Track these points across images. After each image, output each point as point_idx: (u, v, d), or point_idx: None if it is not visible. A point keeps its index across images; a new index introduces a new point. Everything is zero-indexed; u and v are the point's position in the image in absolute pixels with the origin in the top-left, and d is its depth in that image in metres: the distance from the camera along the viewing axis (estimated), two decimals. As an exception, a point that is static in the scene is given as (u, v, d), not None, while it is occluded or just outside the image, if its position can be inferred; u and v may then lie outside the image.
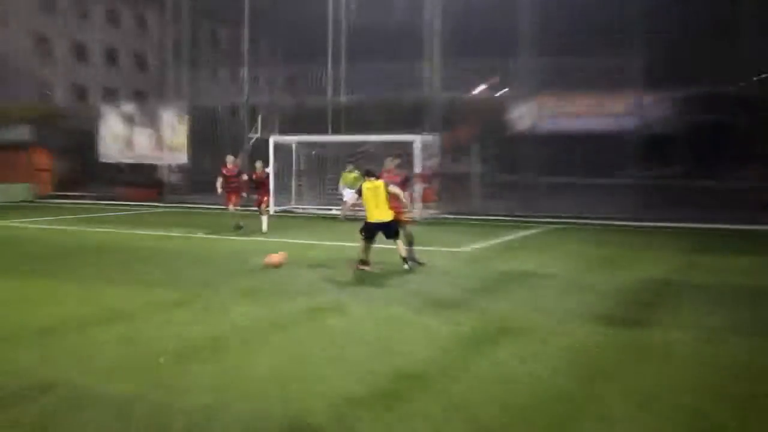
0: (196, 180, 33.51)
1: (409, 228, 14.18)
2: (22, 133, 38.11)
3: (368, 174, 14.04)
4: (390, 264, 13.81)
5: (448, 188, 23.89)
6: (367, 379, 7.13)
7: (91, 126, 36.30)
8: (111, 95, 51.09)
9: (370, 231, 13.68)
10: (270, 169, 27.83)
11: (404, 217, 13.98)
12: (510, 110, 28.32)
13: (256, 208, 21.30)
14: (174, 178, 35.58)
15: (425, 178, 23.78)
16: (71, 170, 38.15)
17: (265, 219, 20.64)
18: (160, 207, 31.40)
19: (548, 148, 26.66)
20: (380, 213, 13.65)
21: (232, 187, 21.02)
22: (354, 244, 14.59)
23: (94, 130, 36.04)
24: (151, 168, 36.33)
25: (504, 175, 27.61)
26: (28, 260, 14.97)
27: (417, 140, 24.85)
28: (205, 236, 19.73)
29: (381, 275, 13.14)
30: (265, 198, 21.24)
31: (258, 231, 20.07)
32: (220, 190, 21.09)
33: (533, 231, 21.62)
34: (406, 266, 13.50)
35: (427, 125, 27.87)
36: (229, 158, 21.39)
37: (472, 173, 27.92)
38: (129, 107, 36.76)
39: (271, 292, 11.54)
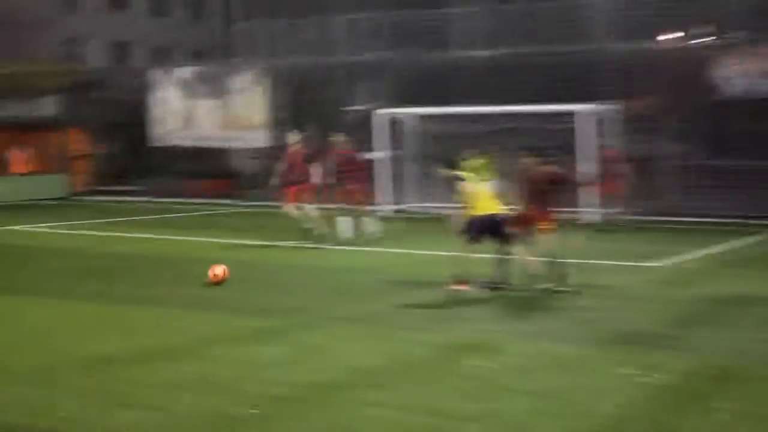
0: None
1: (550, 239, 14.08)
2: (48, 107, 39.63)
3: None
4: (522, 282, 13.78)
5: (633, 178, 23.52)
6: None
7: (136, 97, 37.29)
8: (161, 55, 52.28)
9: (479, 229, 13.82)
10: (376, 154, 28.15)
11: (546, 225, 13.97)
12: (717, 67, 27.69)
13: (343, 205, 21.00)
14: (250, 167, 36.12)
15: (611, 161, 23.45)
16: (114, 157, 39.41)
17: (366, 220, 20.82)
18: (233, 206, 32.10)
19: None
20: (490, 204, 13.88)
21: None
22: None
23: (140, 102, 37.02)
24: (220, 153, 37.08)
25: (710, 160, 26.98)
26: (74, 277, 15.64)
27: (585, 111, 24.65)
28: (294, 245, 20.19)
29: (538, 301, 13.13)
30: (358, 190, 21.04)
31: (334, 238, 20.14)
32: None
33: (758, 238, 21.18)
34: (546, 286, 13.60)
35: (598, 90, 27.54)
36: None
37: (664, 157, 27.43)
38: (187, 71, 37.31)
39: (393, 323, 11.69)
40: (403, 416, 7.78)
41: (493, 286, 13.93)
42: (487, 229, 13.84)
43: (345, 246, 19.68)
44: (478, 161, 14.11)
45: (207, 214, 29.25)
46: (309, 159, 21.07)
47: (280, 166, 21.08)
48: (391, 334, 11.06)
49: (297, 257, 18.44)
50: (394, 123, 28.89)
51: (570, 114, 24.63)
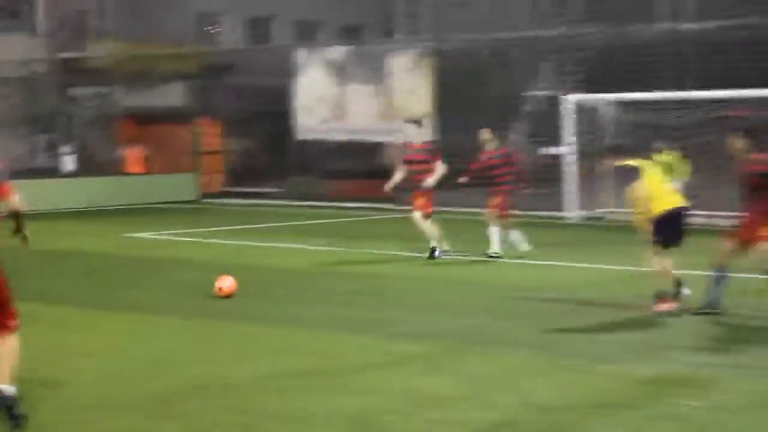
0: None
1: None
2: (176, 95, 40.67)
3: None
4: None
5: None
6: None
7: (277, 83, 37.91)
8: (306, 33, 52.99)
9: (668, 228, 13.74)
10: (561, 149, 28.08)
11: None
12: None
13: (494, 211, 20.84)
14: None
15: None
16: (250, 154, 40.16)
17: (508, 233, 20.70)
18: (389, 211, 32.32)
19: None
20: (671, 198, 14.00)
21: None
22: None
23: (282, 89, 37.61)
24: (374, 149, 37.35)
25: None
26: (201, 293, 16.07)
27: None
28: (469, 258, 20.36)
29: (758, 327, 12.91)
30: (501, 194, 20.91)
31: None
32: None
33: None
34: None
35: None
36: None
37: None
38: (337, 51, 37.69)
39: (583, 353, 11.67)
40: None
41: (706, 311, 13.74)
42: (675, 225, 13.80)
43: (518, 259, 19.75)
44: (668, 156, 14.04)
45: (358, 221, 29.59)
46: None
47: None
48: (577, 366, 11.00)
49: (467, 272, 18.56)
50: (585, 111, 28.72)
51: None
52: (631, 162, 14.23)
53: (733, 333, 12.83)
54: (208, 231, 26.46)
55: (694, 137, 25.61)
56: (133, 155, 39.24)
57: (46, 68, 43.03)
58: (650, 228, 13.88)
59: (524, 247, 20.47)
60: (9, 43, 43.33)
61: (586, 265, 19.11)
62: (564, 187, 28.51)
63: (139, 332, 13.14)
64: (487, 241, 20.15)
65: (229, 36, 50.68)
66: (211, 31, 50.69)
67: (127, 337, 12.82)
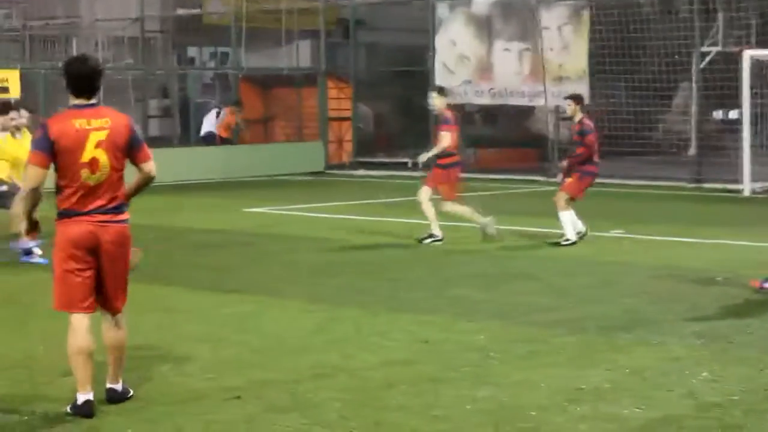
0: (604, 135, 33.84)
1: None
2: (303, 55, 41.02)
3: None
4: None
5: None
6: None
7: (418, 41, 37.96)
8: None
9: None
10: (737, 112, 27.70)
11: None
12: None
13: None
14: (562, 132, 36.21)
15: None
16: (384, 120, 40.34)
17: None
18: (540, 183, 32.27)
19: None
20: None
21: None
22: None
23: (421, 47, 37.63)
24: (525, 114, 37.27)
25: None
26: (323, 274, 16.28)
27: None
28: (623, 235, 20.34)
29: None
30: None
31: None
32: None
33: None
34: None
35: None
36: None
37: None
38: (484, 4, 37.44)
39: (751, 342, 11.61)
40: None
41: None
42: None
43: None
44: None
45: (506, 193, 29.58)
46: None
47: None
48: (746, 358, 10.96)
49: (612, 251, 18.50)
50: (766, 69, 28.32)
51: None
52: None
53: None
54: (334, 206, 26.68)
55: None
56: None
57: (160, 26, 43.71)
58: None
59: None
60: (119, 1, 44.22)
61: (762, 244, 18.80)
62: (740, 156, 28.14)
63: (251, 317, 13.31)
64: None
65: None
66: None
67: (242, 322, 12.99)
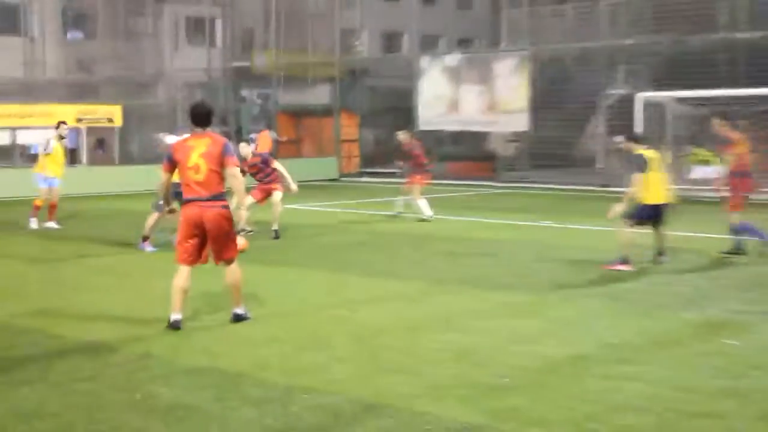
0: (537, 152, 34.04)
1: None
2: (323, 94, 41.14)
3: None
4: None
5: None
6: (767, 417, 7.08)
7: (406, 84, 38.11)
8: (429, 44, 53.22)
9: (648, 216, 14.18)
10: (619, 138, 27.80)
11: None
12: None
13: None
14: (509, 150, 36.41)
15: None
16: (381, 141, 40.51)
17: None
18: (491, 187, 32.43)
19: None
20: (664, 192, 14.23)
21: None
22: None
23: (408, 89, 37.78)
24: (480, 137, 37.44)
25: None
26: (342, 251, 16.38)
27: None
28: (550, 225, 20.32)
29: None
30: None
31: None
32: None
33: None
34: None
35: None
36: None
37: None
38: (454, 58, 37.69)
39: (644, 301, 11.64)
40: (651, 390, 7.77)
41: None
42: (654, 217, 14.21)
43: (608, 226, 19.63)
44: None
45: (468, 195, 29.67)
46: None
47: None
48: (638, 311, 11.00)
49: (552, 235, 18.54)
50: (652, 106, 28.35)
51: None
52: (639, 150, 14.29)
53: (764, 286, 12.70)
54: (345, 203, 26.77)
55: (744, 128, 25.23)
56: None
57: (222, 74, 43.80)
58: (634, 209, 14.14)
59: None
60: (193, 54, 44.21)
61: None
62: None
63: (291, 282, 13.30)
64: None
65: (366, 47, 51.20)
66: (353, 43, 51.18)
67: (281, 285, 13.01)
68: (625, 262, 13.91)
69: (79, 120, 33.22)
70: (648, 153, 14.18)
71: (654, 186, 14.05)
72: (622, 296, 12.00)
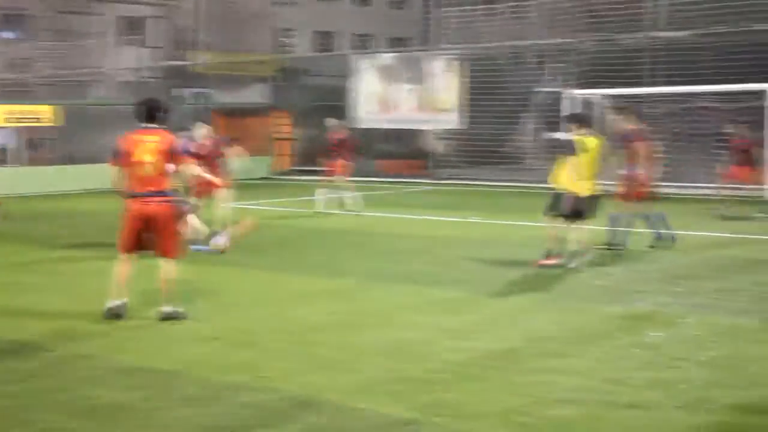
0: (470, 150, 34.19)
1: None
2: (257, 93, 40.97)
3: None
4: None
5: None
6: (700, 411, 7.16)
7: (340, 83, 38.05)
8: (362, 43, 53.21)
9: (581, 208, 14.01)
10: (560, 134, 28.02)
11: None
12: None
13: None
14: (441, 147, 36.52)
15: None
16: (314, 139, 40.38)
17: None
18: (424, 184, 32.51)
19: None
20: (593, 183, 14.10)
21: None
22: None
23: (342, 88, 37.72)
24: (413, 135, 37.48)
25: None
26: (276, 249, 16.28)
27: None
28: (480, 221, 20.41)
29: (711, 275, 12.86)
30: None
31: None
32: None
33: None
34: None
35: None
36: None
37: None
38: (387, 58, 37.72)
39: (572, 296, 11.75)
40: (580, 382, 7.86)
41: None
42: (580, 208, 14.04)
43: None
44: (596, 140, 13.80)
45: (399, 192, 29.74)
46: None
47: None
48: (565, 306, 11.11)
49: (481, 231, 18.64)
50: (584, 104, 28.64)
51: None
52: (573, 137, 14.12)
53: (688, 279, 12.89)
54: (278, 201, 26.69)
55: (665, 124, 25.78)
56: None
57: (156, 73, 43.41)
58: (566, 200, 14.00)
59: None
60: (126, 53, 43.75)
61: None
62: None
63: (228, 281, 13.23)
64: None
65: (300, 46, 51.07)
66: (286, 42, 50.99)
67: (217, 286, 12.97)
68: (553, 256, 13.99)
69: (7, 120, 32.60)
70: (587, 140, 13.96)
71: (585, 175, 13.88)
72: (552, 291, 12.11)
